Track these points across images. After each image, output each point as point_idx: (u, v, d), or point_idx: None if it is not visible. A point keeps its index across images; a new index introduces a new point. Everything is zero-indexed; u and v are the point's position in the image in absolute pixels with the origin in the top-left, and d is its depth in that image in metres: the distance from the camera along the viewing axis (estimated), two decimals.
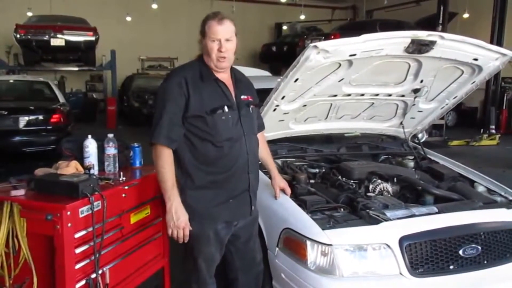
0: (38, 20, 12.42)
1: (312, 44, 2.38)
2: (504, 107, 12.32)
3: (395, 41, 2.52)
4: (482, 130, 11.08)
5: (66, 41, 11.64)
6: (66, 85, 14.84)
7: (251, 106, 2.32)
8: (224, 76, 2.24)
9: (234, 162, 2.19)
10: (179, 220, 2.11)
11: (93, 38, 11.97)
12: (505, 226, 2.46)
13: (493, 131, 11.10)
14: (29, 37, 11.46)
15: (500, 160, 8.56)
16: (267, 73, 5.45)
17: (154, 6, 15.28)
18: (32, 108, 7.19)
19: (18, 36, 11.49)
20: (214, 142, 2.15)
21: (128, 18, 15.87)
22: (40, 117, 6.97)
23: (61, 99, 8.03)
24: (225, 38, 2.13)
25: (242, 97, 2.28)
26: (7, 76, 10.71)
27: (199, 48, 2.24)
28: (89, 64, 13.12)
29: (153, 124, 2.15)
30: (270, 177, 2.60)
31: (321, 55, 2.42)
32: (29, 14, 13.61)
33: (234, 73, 2.32)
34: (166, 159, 2.12)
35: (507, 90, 12.50)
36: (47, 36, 11.47)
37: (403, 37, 2.51)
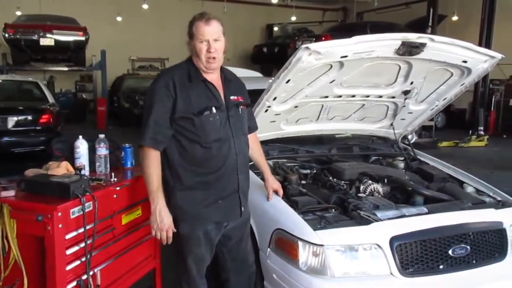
0: (27, 19, 12.30)
1: (304, 46, 2.39)
2: (492, 109, 12.46)
3: (386, 43, 2.54)
4: (470, 131, 11.21)
5: (56, 41, 11.55)
6: (56, 85, 14.71)
7: (241, 107, 2.31)
8: (213, 77, 2.24)
9: (222, 163, 2.19)
10: (162, 222, 2.11)
11: (83, 38, 11.90)
12: (494, 226, 2.49)
13: (482, 132, 11.24)
14: (18, 36, 11.35)
15: (488, 161, 8.66)
16: (258, 74, 5.46)
17: (145, 6, 15.20)
18: (21, 108, 7.12)
19: (6, 35, 11.37)
20: (202, 143, 2.14)
21: (119, 18, 15.80)
22: (29, 117, 6.91)
23: (51, 99, 7.97)
24: (213, 38, 2.12)
25: (232, 97, 2.27)
26: None
27: (188, 50, 2.23)
28: (79, 64, 13.03)
29: (141, 126, 2.14)
30: (262, 178, 2.61)
31: (313, 56, 2.44)
32: (18, 13, 13.46)
33: (224, 74, 2.31)
34: (151, 160, 2.11)
35: (495, 92, 12.64)
36: (36, 36, 11.38)
37: (394, 39, 2.53)
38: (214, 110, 2.16)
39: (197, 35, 2.12)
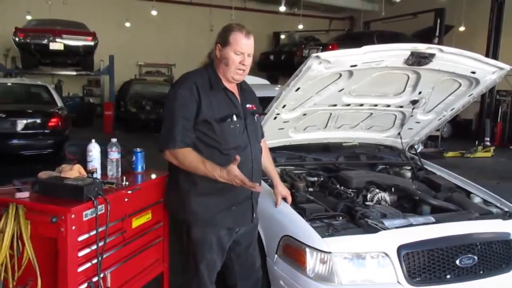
0: (37, 24, 12.40)
1: (314, 55, 2.42)
2: (499, 120, 12.42)
3: (395, 53, 2.57)
4: (477, 142, 11.17)
5: (65, 46, 11.61)
6: (63, 89, 14.81)
7: (256, 115, 2.36)
8: (232, 86, 2.27)
9: (239, 170, 2.21)
10: (235, 172, 2.02)
11: (92, 43, 11.96)
12: (501, 237, 2.50)
13: (488, 143, 11.19)
14: (28, 40, 11.42)
15: (494, 172, 8.63)
16: (265, 82, 5.49)
17: (154, 12, 15.33)
18: (30, 111, 7.16)
19: (17, 39, 11.45)
20: (221, 149, 2.16)
21: (127, 24, 15.91)
22: (38, 120, 6.94)
23: (59, 103, 8.01)
24: (248, 53, 2.16)
25: (247, 106, 2.31)
26: (5, 79, 10.67)
27: (210, 55, 2.24)
28: (87, 68, 13.08)
29: (165, 130, 2.13)
30: (270, 185, 2.63)
31: (323, 65, 2.47)
32: (28, 17, 13.61)
33: (240, 83, 2.34)
34: (189, 156, 2.10)
35: (502, 103, 12.62)
36: (46, 40, 11.43)
37: (403, 50, 2.56)
38: (235, 118, 2.19)
39: (235, 46, 2.13)
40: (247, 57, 2.16)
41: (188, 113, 2.12)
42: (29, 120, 6.88)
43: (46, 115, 7.08)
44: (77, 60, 12.67)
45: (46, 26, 12.01)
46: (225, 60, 2.17)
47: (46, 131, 6.93)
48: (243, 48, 2.15)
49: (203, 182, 2.18)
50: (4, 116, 6.77)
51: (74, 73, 13.43)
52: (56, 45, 11.51)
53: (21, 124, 6.78)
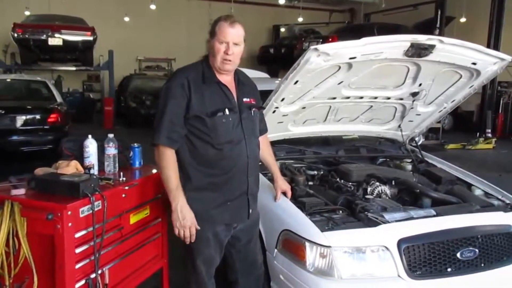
0: (36, 19, 12.36)
1: (312, 47, 2.39)
2: (500, 111, 12.37)
3: (395, 44, 2.54)
4: (478, 134, 11.14)
5: (64, 41, 11.58)
6: (63, 85, 14.76)
7: (253, 109, 2.31)
8: (227, 79, 2.24)
9: (233, 165, 2.19)
10: (184, 219, 2.10)
11: (91, 38, 11.93)
12: (502, 230, 2.48)
13: (489, 135, 11.17)
14: (26, 36, 11.40)
15: (496, 163, 8.61)
16: (265, 75, 5.46)
17: (153, 7, 15.26)
18: (30, 107, 7.15)
19: (15, 35, 11.43)
20: (214, 144, 2.14)
21: (126, 19, 15.87)
22: (38, 116, 6.92)
23: (59, 98, 8.00)
24: (233, 41, 2.13)
25: (244, 99, 2.27)
26: (4, 75, 10.64)
27: (206, 48, 2.24)
28: (86, 64, 13.06)
29: (155, 125, 2.14)
30: (270, 179, 2.61)
31: (322, 58, 2.44)
32: (27, 13, 13.56)
33: (238, 76, 2.31)
34: (168, 159, 2.11)
35: (503, 94, 12.56)
36: (45, 36, 11.41)
37: (403, 41, 2.52)
38: (227, 111, 2.16)
39: (219, 35, 2.12)
40: (233, 46, 2.12)
41: (176, 107, 2.11)
42: (29, 116, 6.87)
43: (45, 111, 7.06)
44: (77, 56, 12.64)
45: (45, 21, 11.98)
46: (211, 50, 2.16)
47: (45, 127, 6.91)
48: (227, 37, 2.11)
49: (198, 176, 2.17)
50: (3, 112, 6.76)
51: (74, 68, 13.39)
52: (55, 41, 11.48)
53: (20, 120, 6.76)
